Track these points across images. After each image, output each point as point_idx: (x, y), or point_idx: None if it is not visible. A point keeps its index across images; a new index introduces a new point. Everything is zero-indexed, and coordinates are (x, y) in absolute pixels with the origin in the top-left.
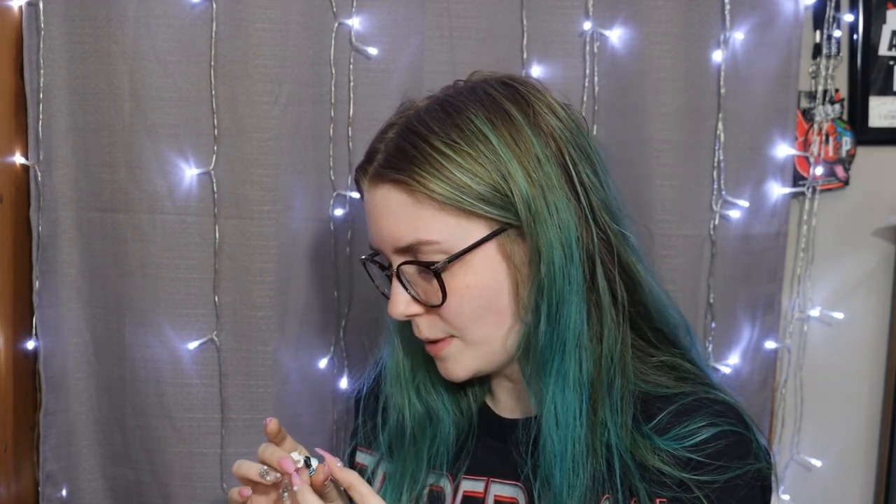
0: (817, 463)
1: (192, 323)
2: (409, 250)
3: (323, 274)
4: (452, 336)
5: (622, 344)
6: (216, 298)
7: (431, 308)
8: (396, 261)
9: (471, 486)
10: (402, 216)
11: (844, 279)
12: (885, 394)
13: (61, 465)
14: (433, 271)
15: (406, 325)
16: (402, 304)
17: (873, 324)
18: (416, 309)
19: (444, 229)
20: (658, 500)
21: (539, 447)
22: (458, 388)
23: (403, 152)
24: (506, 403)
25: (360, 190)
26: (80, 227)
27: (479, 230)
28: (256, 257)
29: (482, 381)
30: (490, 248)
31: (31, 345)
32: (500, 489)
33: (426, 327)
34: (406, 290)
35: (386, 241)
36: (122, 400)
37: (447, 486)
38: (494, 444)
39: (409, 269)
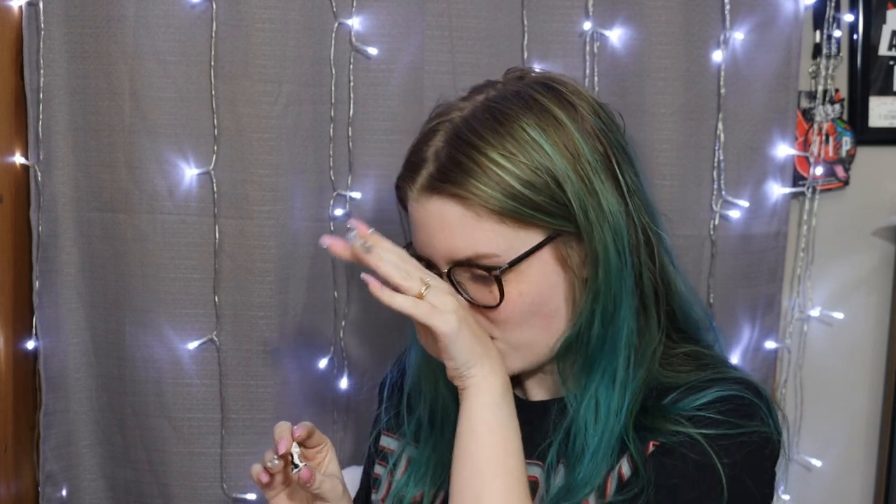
0: (817, 463)
1: (192, 323)
2: (465, 262)
3: (323, 274)
4: (493, 338)
5: (657, 343)
6: (216, 298)
7: (482, 309)
8: (447, 266)
9: None
10: (459, 229)
11: (844, 279)
12: (885, 394)
13: (61, 465)
14: (494, 277)
15: None
16: None
17: (873, 324)
18: None
19: (502, 241)
20: (651, 443)
21: (571, 435)
22: None
23: (459, 164)
24: (532, 390)
25: (402, 195)
26: (80, 227)
27: (535, 237)
28: (256, 257)
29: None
30: (545, 254)
31: (31, 345)
32: None
33: None
34: (458, 291)
35: (439, 251)
36: (122, 400)
37: None
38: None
39: (462, 272)
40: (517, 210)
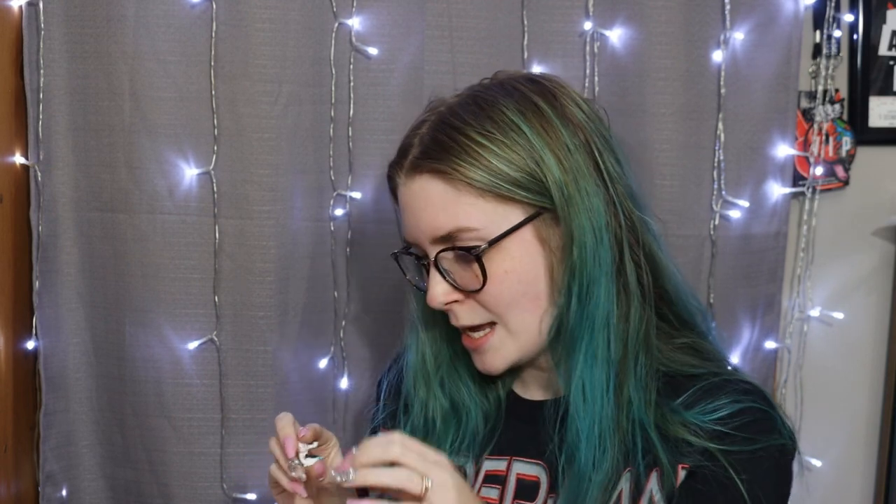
0: (817, 463)
1: (192, 323)
2: (448, 238)
3: (323, 274)
4: (494, 323)
5: (647, 324)
6: (216, 298)
7: (470, 294)
8: (433, 250)
9: (493, 465)
10: (441, 205)
11: (844, 279)
12: (885, 394)
13: (61, 465)
14: (474, 255)
15: (432, 320)
16: (440, 293)
17: (873, 324)
18: (454, 297)
19: (482, 216)
20: (680, 467)
21: (567, 424)
22: (486, 377)
23: (441, 144)
24: (534, 390)
25: (392, 185)
26: (80, 227)
27: (515, 215)
28: (256, 257)
29: (512, 371)
30: (526, 233)
31: (31, 345)
32: (523, 467)
33: (465, 314)
34: (444, 278)
35: (424, 231)
36: (122, 400)
37: (469, 467)
38: (520, 426)
39: (448, 257)
40: (495, 185)
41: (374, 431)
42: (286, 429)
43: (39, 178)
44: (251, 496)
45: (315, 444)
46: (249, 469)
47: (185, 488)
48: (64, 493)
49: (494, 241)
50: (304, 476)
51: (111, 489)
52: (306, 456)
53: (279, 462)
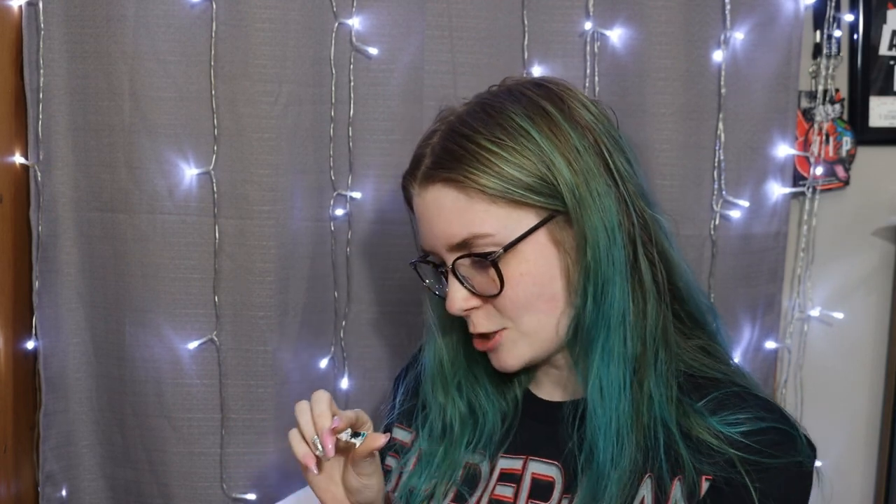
0: (817, 463)
1: (192, 323)
2: (464, 245)
3: (323, 274)
4: (505, 328)
5: (664, 320)
6: (216, 298)
7: (488, 299)
8: (450, 258)
9: (508, 464)
10: (455, 213)
11: (844, 279)
12: (885, 394)
13: (61, 465)
14: (490, 261)
15: (449, 325)
16: (459, 299)
17: (873, 324)
18: (473, 303)
19: (496, 222)
20: (704, 478)
21: (585, 423)
22: (503, 378)
23: (451, 153)
24: (550, 390)
25: (407, 196)
26: (80, 227)
27: (529, 219)
28: (256, 257)
29: (528, 369)
30: (541, 236)
31: (31, 345)
32: (538, 467)
33: (482, 320)
34: (462, 284)
35: (440, 240)
36: (122, 400)
37: (484, 465)
38: (537, 426)
39: (465, 263)
40: (508, 191)
41: (387, 428)
42: (323, 419)
43: (39, 178)
44: (251, 496)
45: (348, 431)
46: (249, 469)
47: (185, 488)
48: (64, 493)
49: (509, 247)
50: (330, 454)
51: (111, 489)
52: (352, 436)
53: (302, 430)
